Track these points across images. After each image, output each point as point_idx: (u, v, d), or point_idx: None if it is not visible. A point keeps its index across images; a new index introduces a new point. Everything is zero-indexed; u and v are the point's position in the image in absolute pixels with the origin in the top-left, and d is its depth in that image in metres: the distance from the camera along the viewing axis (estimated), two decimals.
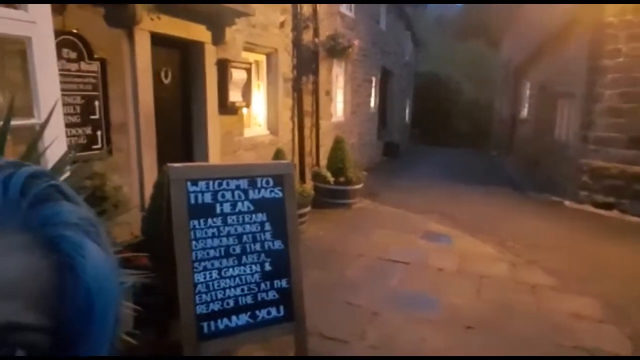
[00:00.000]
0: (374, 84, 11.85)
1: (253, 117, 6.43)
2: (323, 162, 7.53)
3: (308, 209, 5.76)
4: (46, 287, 0.35)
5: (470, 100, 21.37)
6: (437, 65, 20.80)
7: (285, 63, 6.75)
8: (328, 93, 8.45)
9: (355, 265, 4.65)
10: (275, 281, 2.57)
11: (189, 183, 2.38)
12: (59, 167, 2.03)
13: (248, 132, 6.04)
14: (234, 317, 2.44)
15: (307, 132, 7.43)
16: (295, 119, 7.14)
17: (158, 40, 4.19)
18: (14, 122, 2.51)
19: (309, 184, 6.83)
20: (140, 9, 3.85)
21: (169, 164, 2.43)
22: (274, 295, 2.56)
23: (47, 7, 2.83)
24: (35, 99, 2.67)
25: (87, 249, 0.36)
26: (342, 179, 6.88)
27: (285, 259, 2.59)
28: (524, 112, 13.53)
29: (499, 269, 4.66)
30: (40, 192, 0.36)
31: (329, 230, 5.80)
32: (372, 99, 11.94)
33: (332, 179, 6.84)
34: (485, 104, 20.40)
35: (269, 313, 2.54)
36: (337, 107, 9.34)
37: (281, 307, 2.57)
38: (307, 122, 7.47)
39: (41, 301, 0.34)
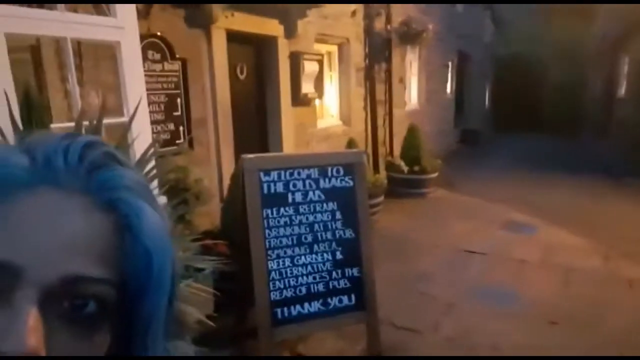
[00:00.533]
0: (450, 69, 11.44)
1: (326, 108, 6.49)
2: (397, 151, 7.42)
3: (381, 198, 5.72)
4: (109, 245, 0.38)
5: (558, 82, 19.83)
6: (520, 45, 19.53)
7: (357, 52, 6.72)
8: (401, 80, 8.30)
9: (430, 255, 4.56)
10: (346, 270, 2.59)
11: (261, 173, 2.47)
12: (143, 160, 2.18)
13: (321, 123, 6.11)
14: (306, 304, 2.50)
15: (380, 121, 7.36)
16: (368, 109, 7.09)
17: (233, 37, 4.35)
18: (107, 121, 2.74)
19: (383, 174, 6.78)
20: (216, 8, 4.02)
21: (243, 155, 2.54)
22: (345, 284, 2.59)
23: (133, 13, 3.04)
24: (125, 99, 2.90)
25: (143, 210, 0.39)
26: (416, 168, 6.74)
27: (356, 247, 2.60)
28: (622, 91, 12.35)
29: (588, 262, 4.34)
30: (96, 159, 0.39)
31: (403, 220, 5.73)
32: (449, 85, 11.54)
33: (406, 168, 6.73)
34: (576, 85, 18.86)
35: (340, 301, 2.58)
36: (411, 94, 9.14)
37: (352, 296, 2.60)
38: (380, 111, 7.39)
39: (105, 258, 0.37)
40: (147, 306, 0.40)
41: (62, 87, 3.26)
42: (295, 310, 2.48)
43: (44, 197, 0.37)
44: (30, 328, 0.33)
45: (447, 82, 11.36)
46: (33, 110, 1.57)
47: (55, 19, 2.55)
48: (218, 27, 4.17)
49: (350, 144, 5.60)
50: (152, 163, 2.55)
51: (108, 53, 3.05)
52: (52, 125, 2.16)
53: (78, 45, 3.05)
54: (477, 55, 14.09)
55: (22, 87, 1.61)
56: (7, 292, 0.34)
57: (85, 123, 1.96)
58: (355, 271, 2.60)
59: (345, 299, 2.59)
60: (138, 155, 2.45)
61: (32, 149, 0.38)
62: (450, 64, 11.38)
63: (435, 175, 6.92)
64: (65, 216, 0.37)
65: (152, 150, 2.45)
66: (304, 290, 2.50)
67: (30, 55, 3.72)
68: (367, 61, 6.92)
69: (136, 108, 2.49)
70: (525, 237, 5.09)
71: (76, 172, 0.38)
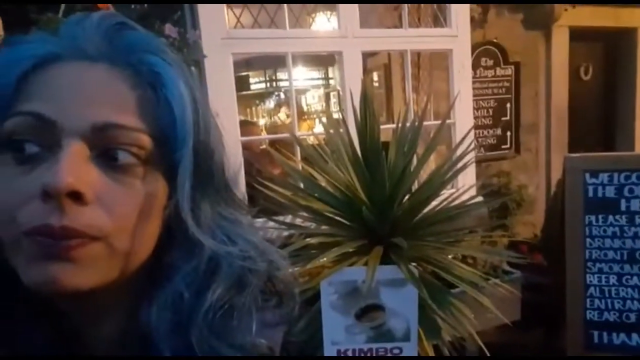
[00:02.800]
0: None
1: None
2: None
3: None
4: (133, 99, 0.42)
5: None
6: None
7: None
8: None
9: None
10: None
11: (587, 174, 2.18)
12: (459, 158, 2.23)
13: None
14: (635, 335, 2.04)
15: None
16: None
17: (577, 35, 3.96)
18: (432, 123, 3.01)
19: None
20: (558, 6, 3.76)
21: (567, 154, 2.30)
22: None
23: (467, 21, 3.23)
24: (452, 103, 3.10)
25: (159, 66, 0.43)
26: None
27: None
28: None
29: None
30: (111, 27, 0.43)
31: None
32: None
33: None
34: None
35: None
36: None
37: None
38: None
39: (132, 109, 0.41)
40: (176, 153, 0.43)
41: (403, 95, 3.74)
42: (619, 338, 2.06)
43: (69, 64, 0.42)
44: (67, 165, 0.37)
45: None
46: (368, 108, 1.91)
47: (400, 35, 2.99)
48: (560, 26, 3.89)
49: None
50: (471, 163, 2.62)
51: (441, 63, 3.33)
52: (384, 126, 2.49)
53: (417, 56, 3.44)
54: None
55: (362, 93, 1.98)
56: (54, 145, 0.39)
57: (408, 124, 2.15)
58: None
59: None
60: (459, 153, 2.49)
61: (58, 28, 0.44)
62: None
63: None
64: (89, 75, 0.41)
65: (472, 153, 2.46)
66: (632, 317, 2.05)
67: (383, 72, 4.44)
68: None
69: (450, 109, 2.63)
70: None
71: (95, 40, 0.42)
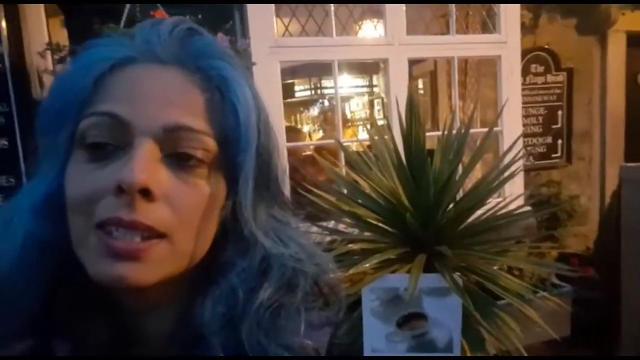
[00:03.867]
0: None
1: None
2: None
3: None
4: (202, 103, 0.44)
5: None
6: None
7: None
8: None
9: None
10: None
11: None
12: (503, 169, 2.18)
13: None
14: None
15: None
16: None
17: (634, 40, 3.78)
18: (479, 130, 2.95)
19: None
20: (614, 10, 3.61)
21: (623, 164, 2.21)
22: None
23: (517, 27, 3.16)
24: (500, 110, 3.03)
25: (226, 70, 0.45)
26: None
27: None
28: None
29: None
30: (183, 32, 0.46)
31: None
32: None
33: None
34: None
35: None
36: None
37: None
38: None
39: (201, 113, 0.43)
40: (240, 155, 0.44)
41: (448, 102, 3.70)
42: None
43: (143, 67, 0.44)
44: (140, 163, 0.39)
45: None
46: (413, 114, 1.89)
47: (447, 42, 2.96)
48: (616, 31, 3.73)
49: None
50: (519, 172, 2.54)
51: (489, 70, 3.26)
52: (429, 133, 2.45)
53: (465, 63, 3.39)
54: None
55: (408, 98, 1.96)
56: (126, 144, 0.41)
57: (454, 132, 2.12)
58: None
59: None
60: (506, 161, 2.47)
61: (133, 33, 0.46)
62: None
63: None
64: (162, 78, 0.43)
65: (520, 161, 2.39)
66: None
67: (428, 79, 4.41)
68: None
69: (497, 117, 2.57)
70: None
71: (168, 45, 0.45)
